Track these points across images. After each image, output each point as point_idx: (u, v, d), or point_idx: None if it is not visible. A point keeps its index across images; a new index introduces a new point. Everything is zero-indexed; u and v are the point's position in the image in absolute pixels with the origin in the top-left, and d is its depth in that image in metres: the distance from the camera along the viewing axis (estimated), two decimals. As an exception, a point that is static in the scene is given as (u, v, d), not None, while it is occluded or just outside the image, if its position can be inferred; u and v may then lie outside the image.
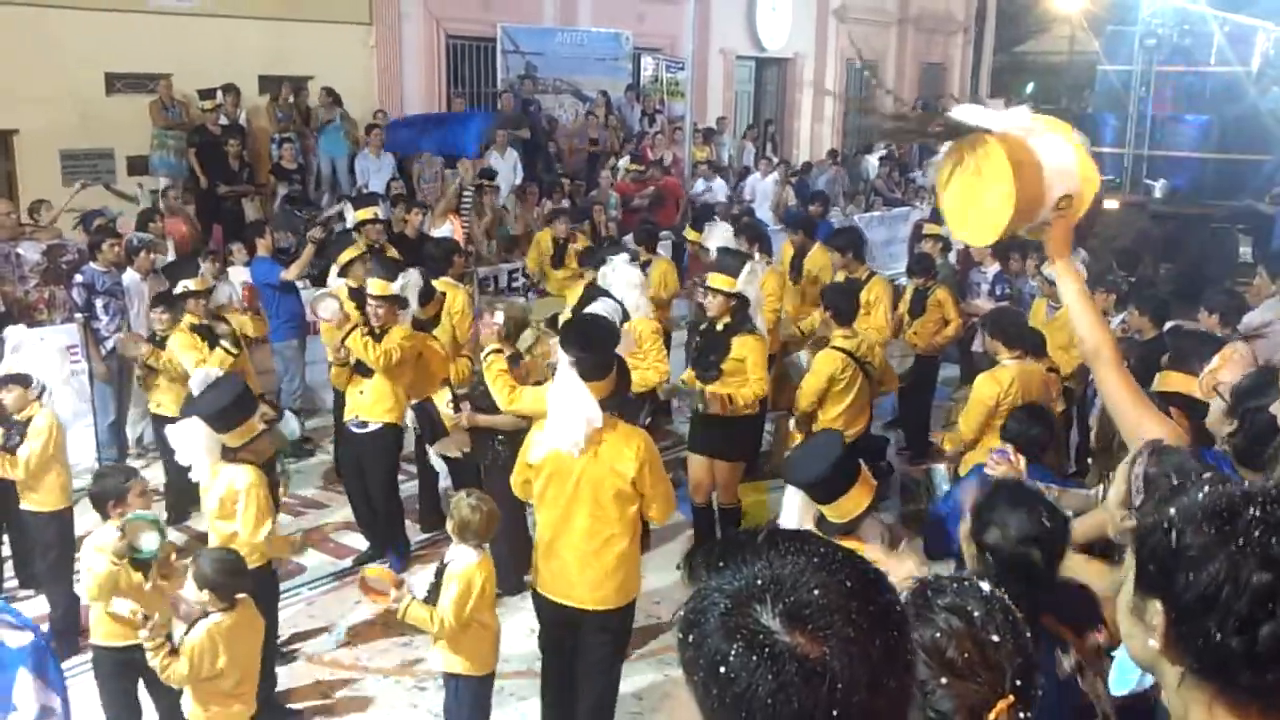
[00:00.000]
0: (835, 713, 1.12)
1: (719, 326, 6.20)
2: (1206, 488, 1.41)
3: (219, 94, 11.62)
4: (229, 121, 11.80)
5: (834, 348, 6.46)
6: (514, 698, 5.24)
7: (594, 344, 4.23)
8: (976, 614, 1.75)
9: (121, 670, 4.56)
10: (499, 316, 5.53)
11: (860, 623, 1.15)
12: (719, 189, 14.49)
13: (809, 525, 3.72)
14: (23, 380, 5.67)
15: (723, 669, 1.15)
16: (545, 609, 4.52)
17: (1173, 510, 1.40)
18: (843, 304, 6.66)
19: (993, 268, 9.03)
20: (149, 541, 4.31)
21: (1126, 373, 2.83)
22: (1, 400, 5.62)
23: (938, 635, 1.74)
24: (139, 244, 8.95)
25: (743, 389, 6.12)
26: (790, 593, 1.16)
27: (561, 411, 4.15)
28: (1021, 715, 1.71)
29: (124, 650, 4.46)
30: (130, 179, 11.49)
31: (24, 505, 5.74)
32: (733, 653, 1.15)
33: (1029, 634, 1.80)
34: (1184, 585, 1.35)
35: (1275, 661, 1.30)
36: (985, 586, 1.84)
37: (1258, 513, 1.33)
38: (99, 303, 8.11)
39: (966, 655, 1.72)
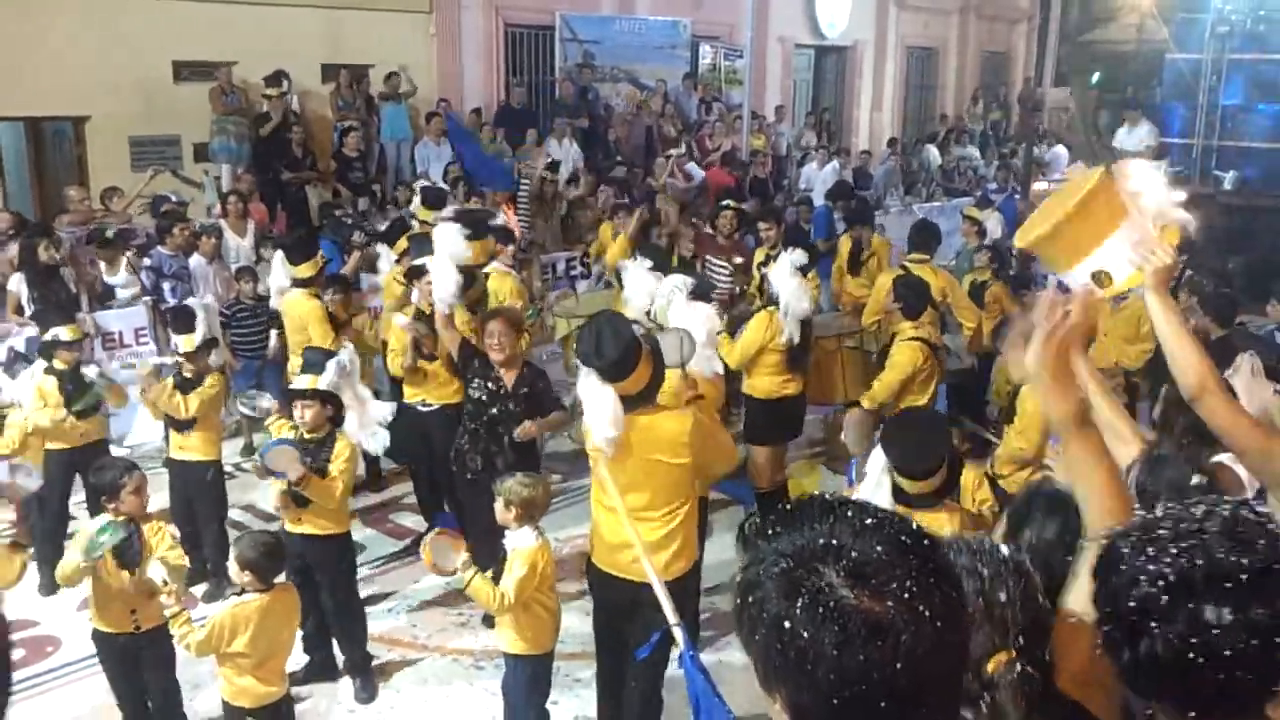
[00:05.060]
0: (899, 666, 1.13)
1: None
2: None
3: (284, 81, 11.76)
4: (296, 109, 11.95)
5: (914, 339, 6.38)
6: (571, 679, 5.27)
7: (603, 348, 4.10)
8: (986, 573, 1.86)
9: (118, 653, 4.62)
10: None
11: (921, 580, 1.17)
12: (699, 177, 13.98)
13: (884, 495, 3.90)
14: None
15: (787, 624, 1.16)
16: (598, 582, 4.52)
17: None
18: (911, 298, 6.58)
19: (1056, 259, 8.81)
20: (95, 544, 4.29)
21: (1234, 401, 2.68)
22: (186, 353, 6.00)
23: None
24: (202, 229, 9.13)
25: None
26: (851, 551, 1.18)
27: (589, 414, 4.15)
28: (1020, 668, 1.77)
29: (114, 636, 4.55)
30: (196, 165, 11.68)
31: (178, 456, 6.08)
32: (797, 609, 1.16)
33: (1047, 604, 1.89)
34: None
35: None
36: (1004, 550, 1.94)
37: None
38: (166, 286, 8.30)
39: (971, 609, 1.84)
